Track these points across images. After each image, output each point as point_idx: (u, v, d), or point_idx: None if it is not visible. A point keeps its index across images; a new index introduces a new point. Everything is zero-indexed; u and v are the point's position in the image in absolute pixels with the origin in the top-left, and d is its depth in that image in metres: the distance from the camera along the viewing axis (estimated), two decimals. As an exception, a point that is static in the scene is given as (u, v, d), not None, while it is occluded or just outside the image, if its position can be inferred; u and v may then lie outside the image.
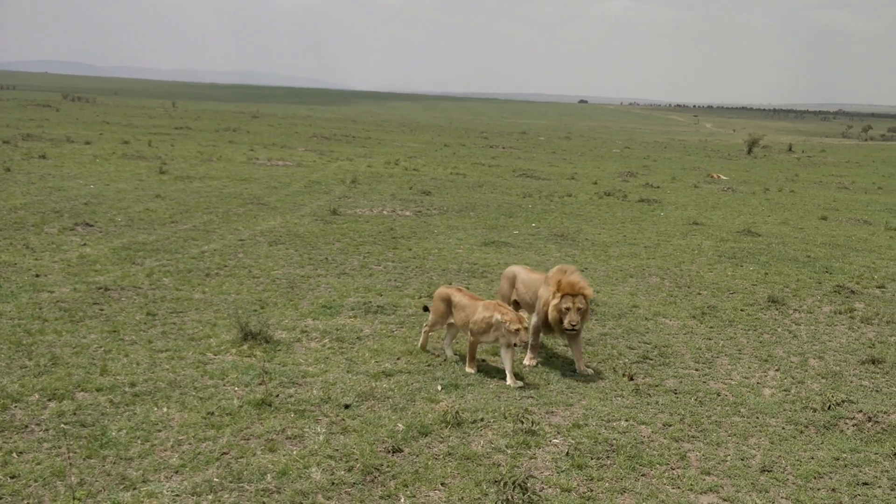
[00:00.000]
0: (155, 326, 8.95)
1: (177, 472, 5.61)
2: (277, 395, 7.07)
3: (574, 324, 8.06)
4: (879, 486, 5.95)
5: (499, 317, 7.78)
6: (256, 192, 20.69)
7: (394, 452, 6.06)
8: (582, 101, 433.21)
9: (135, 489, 5.34)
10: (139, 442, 6.05)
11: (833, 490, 5.86)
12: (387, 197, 21.37)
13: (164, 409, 6.66)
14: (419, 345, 8.64)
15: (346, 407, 6.91)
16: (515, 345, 7.75)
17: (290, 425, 6.48)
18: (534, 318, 8.54)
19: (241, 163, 28.82)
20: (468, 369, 8.03)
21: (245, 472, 5.63)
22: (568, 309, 8.04)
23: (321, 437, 6.27)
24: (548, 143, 63.29)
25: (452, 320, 8.34)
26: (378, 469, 5.79)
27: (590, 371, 8.26)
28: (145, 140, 36.23)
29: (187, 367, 7.69)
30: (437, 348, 8.73)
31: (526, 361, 8.46)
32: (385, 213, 18.54)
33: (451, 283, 8.97)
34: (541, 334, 8.67)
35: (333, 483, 5.56)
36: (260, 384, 7.26)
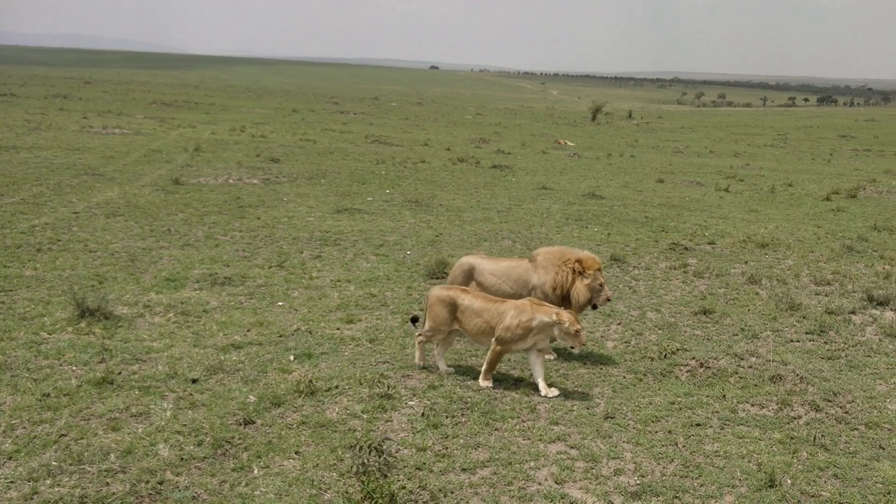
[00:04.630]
0: (-21, 307, 8.27)
1: (10, 458, 5.24)
2: (119, 373, 6.74)
3: (610, 298, 7.94)
4: (710, 426, 6.39)
5: (547, 318, 6.79)
6: (91, 163, 19.46)
7: (245, 424, 5.92)
8: (433, 67, 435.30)
9: (-40, 481, 4.94)
10: (-35, 430, 5.60)
11: (669, 432, 6.25)
12: (233, 165, 20.67)
13: (-7, 394, 6.19)
14: (416, 360, 7.35)
15: (194, 381, 6.68)
16: (572, 348, 6.92)
17: (135, 403, 6.20)
18: None
19: (74, 131, 27.00)
20: (483, 383, 6.97)
21: (86, 454, 5.35)
22: (602, 285, 7.78)
23: (168, 413, 6.04)
24: (400, 109, 63.28)
25: (456, 327, 7.24)
26: (229, 442, 5.65)
27: (553, 356, 7.89)
28: (-37, 107, 33.28)
29: (18, 348, 7.17)
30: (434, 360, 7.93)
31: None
32: (231, 181, 17.95)
33: (450, 285, 7.69)
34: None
35: (182, 458, 5.38)
36: (100, 362, 6.90)
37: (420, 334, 7.34)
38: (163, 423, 5.87)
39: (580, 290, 7.76)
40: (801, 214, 17.82)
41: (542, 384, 6.87)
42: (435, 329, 7.23)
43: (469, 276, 8.29)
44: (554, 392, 6.81)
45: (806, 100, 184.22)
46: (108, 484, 5.02)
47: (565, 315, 6.78)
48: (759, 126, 66.48)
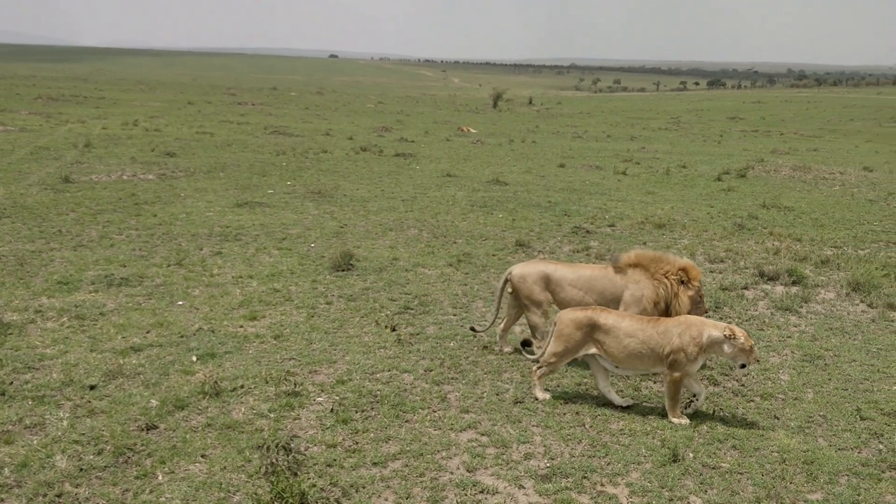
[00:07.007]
0: None
1: None
2: (11, 383, 6.45)
3: (707, 311, 7.39)
4: (618, 407, 6.55)
5: (717, 333, 6.20)
6: (-28, 161, 18.40)
7: (148, 430, 5.73)
8: (332, 56, 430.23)
9: None
10: None
11: (577, 413, 6.39)
12: (126, 161, 19.89)
13: None
14: (538, 395, 6.64)
15: (92, 388, 6.43)
16: (743, 366, 6.32)
17: (29, 413, 5.93)
18: None
19: (-48, 129, 25.48)
20: (676, 420, 6.28)
21: (-22, 470, 5.08)
22: (702, 297, 7.31)
23: (65, 423, 5.80)
24: (300, 98, 62.34)
25: (594, 351, 6.55)
26: (131, 449, 5.46)
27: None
28: None
29: None
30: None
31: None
32: (125, 177, 17.28)
33: (588, 307, 6.83)
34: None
35: (82, 469, 5.19)
36: (-11, 373, 6.55)
37: (541, 366, 6.69)
38: (59, 434, 5.64)
39: (683, 302, 7.18)
40: (695, 195, 18.48)
41: (703, 395, 6.41)
42: (562, 354, 6.58)
43: (545, 286, 7.51)
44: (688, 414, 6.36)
45: (696, 84, 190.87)
46: (2, 500, 4.81)
47: (738, 329, 6.21)
48: (653, 110, 68.53)
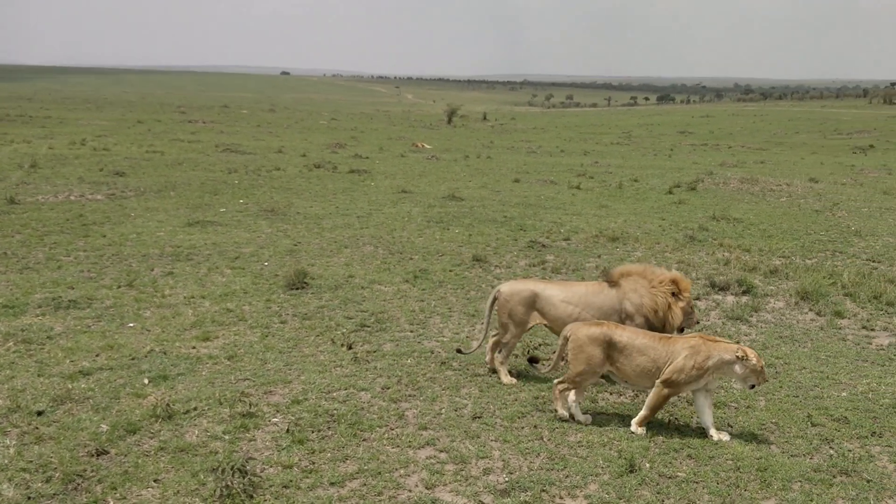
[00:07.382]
0: None
1: None
2: (-47, 411, 6.22)
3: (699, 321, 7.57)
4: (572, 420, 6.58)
5: (728, 356, 6.17)
6: (-88, 183, 17.86)
7: (98, 455, 5.60)
8: (284, 73, 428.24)
9: None
10: None
11: (535, 427, 6.40)
12: (73, 181, 19.48)
13: None
14: (560, 411, 6.51)
15: (40, 414, 6.26)
16: (752, 386, 6.31)
17: (-27, 442, 5.73)
18: None
19: None
20: (639, 429, 6.31)
21: (-82, 503, 4.90)
22: (692, 308, 7.38)
23: (12, 450, 5.65)
24: (252, 116, 61.84)
25: (608, 369, 6.53)
26: (81, 475, 5.33)
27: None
28: None
29: None
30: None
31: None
32: (73, 198, 16.92)
33: (601, 322, 6.68)
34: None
35: (30, 497, 5.07)
36: (-71, 402, 6.33)
37: (563, 381, 6.52)
38: (6, 461, 5.49)
39: (676, 314, 7.27)
40: (647, 208, 18.74)
41: (712, 430, 6.30)
42: (586, 374, 6.43)
43: (531, 306, 7.43)
44: (725, 436, 6.27)
45: (647, 99, 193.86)
46: (-57, 534, 4.63)
47: (750, 350, 6.19)
48: (605, 125, 69.43)
